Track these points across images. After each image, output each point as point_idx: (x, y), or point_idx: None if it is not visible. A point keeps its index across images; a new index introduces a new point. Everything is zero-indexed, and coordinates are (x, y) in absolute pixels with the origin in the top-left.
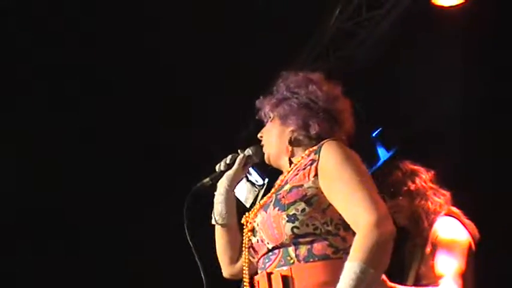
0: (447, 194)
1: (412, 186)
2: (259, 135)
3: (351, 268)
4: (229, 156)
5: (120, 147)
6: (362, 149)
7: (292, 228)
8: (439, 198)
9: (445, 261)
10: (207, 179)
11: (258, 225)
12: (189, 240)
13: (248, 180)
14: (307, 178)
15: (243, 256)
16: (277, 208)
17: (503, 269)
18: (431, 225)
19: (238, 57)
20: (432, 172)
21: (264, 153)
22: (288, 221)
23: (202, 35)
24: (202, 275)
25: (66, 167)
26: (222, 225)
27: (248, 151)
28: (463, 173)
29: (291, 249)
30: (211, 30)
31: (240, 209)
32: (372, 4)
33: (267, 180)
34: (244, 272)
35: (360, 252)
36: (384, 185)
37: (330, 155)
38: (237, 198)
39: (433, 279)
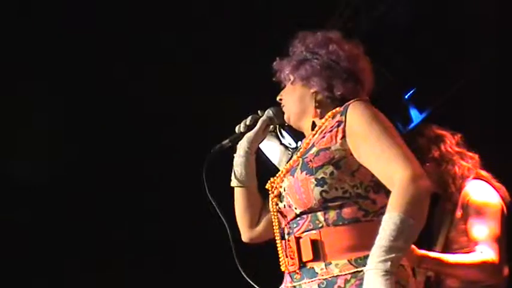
0: (475, 157)
1: (437, 153)
2: (278, 98)
3: (390, 219)
4: (250, 117)
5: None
6: (394, 110)
7: (321, 193)
8: (467, 162)
9: (479, 226)
10: (226, 141)
11: (284, 190)
12: (211, 201)
13: (281, 143)
14: (334, 140)
15: (273, 222)
16: (304, 172)
17: None
18: (459, 190)
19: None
20: (459, 135)
21: (280, 114)
22: (316, 185)
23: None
24: (229, 234)
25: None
26: (242, 188)
27: (269, 112)
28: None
29: (319, 213)
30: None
31: (261, 172)
32: None
33: (300, 143)
34: (276, 237)
35: (398, 204)
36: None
37: (356, 116)
38: (270, 161)
39: (464, 243)
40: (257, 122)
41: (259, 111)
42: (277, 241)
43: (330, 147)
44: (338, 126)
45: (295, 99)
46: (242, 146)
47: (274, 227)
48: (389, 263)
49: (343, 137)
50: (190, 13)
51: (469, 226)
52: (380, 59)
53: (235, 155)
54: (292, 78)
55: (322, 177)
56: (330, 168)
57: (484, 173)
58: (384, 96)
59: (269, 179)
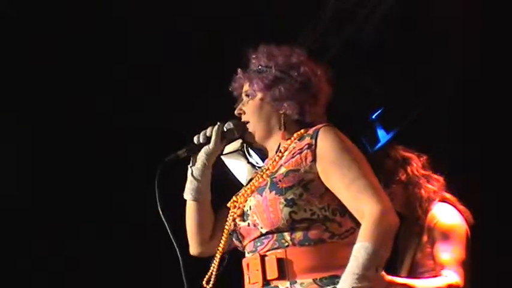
0: (441, 179)
1: (404, 176)
2: (237, 112)
3: (363, 248)
4: (209, 129)
5: None
6: (361, 130)
7: (290, 213)
8: (433, 184)
9: (445, 250)
10: (183, 150)
11: (250, 208)
12: (160, 213)
13: (249, 162)
14: (304, 162)
15: (223, 239)
16: (274, 192)
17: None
18: (426, 212)
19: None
20: (425, 157)
21: (245, 129)
22: (286, 205)
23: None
24: (177, 250)
25: None
26: (197, 201)
27: (229, 124)
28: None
29: (286, 233)
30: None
31: (216, 188)
32: None
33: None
34: (216, 255)
35: (370, 235)
36: (377, 174)
37: (328, 142)
38: (237, 179)
39: (431, 266)
40: (216, 133)
41: (218, 123)
42: (216, 258)
43: (299, 169)
44: (308, 148)
45: (262, 117)
46: (200, 158)
47: (222, 245)
48: None
49: (313, 160)
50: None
51: (435, 249)
52: (348, 80)
53: (189, 166)
54: (260, 95)
55: (292, 198)
56: (299, 190)
57: (449, 195)
58: (351, 117)
59: (227, 196)
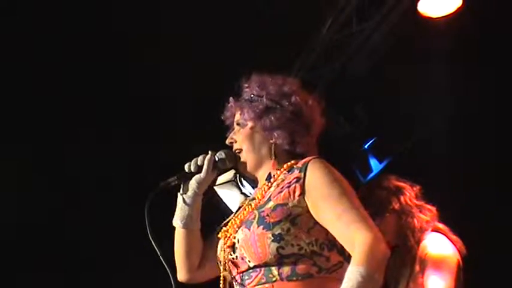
0: (433, 209)
1: (397, 205)
2: (228, 141)
3: (357, 272)
4: (200, 157)
5: None
6: (353, 160)
7: (277, 248)
8: (425, 215)
9: (434, 280)
10: (174, 178)
11: (238, 241)
12: (151, 241)
13: (242, 192)
14: (292, 196)
15: (221, 271)
16: (261, 226)
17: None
18: (418, 242)
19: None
20: (417, 187)
21: (236, 158)
22: (273, 241)
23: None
24: (170, 276)
25: None
26: (187, 229)
27: (221, 154)
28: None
29: (274, 268)
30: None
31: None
32: (361, 16)
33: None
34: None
35: (364, 259)
36: (369, 203)
37: (317, 175)
38: (230, 210)
39: None
40: (208, 163)
41: (210, 152)
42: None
43: (287, 203)
44: (297, 182)
45: (253, 147)
46: (191, 187)
47: (222, 278)
48: None
49: (301, 193)
50: None
51: (425, 278)
52: (340, 109)
53: (180, 193)
54: (251, 124)
55: (279, 233)
56: (287, 225)
57: (441, 226)
58: (343, 147)
59: (217, 226)
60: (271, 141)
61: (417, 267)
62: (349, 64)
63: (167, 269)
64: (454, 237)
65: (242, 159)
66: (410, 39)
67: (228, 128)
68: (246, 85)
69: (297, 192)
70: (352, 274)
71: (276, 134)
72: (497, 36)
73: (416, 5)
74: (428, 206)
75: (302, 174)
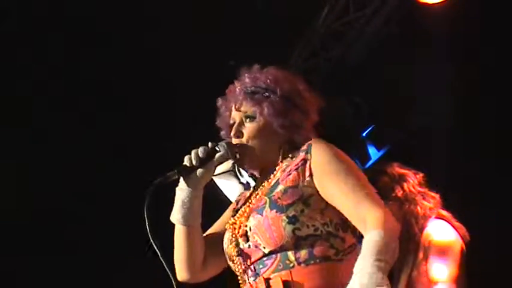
0: (436, 196)
1: (400, 192)
2: (234, 133)
3: (375, 233)
4: (201, 149)
5: None
6: (353, 147)
7: (293, 230)
8: (429, 202)
9: (438, 267)
10: (173, 172)
11: (250, 229)
12: (151, 240)
13: (240, 182)
14: (301, 178)
15: (234, 263)
16: (274, 210)
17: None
18: (421, 230)
19: (225, 59)
20: (421, 175)
21: (239, 151)
22: (288, 223)
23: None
24: (171, 276)
25: None
26: (188, 226)
27: (224, 147)
28: (453, 174)
29: (290, 252)
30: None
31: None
32: (358, 4)
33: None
34: (240, 282)
35: (380, 225)
36: None
37: (322, 154)
38: (228, 199)
39: (426, 284)
40: (210, 155)
41: (210, 144)
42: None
43: (297, 185)
44: (304, 164)
45: (265, 144)
46: (193, 181)
47: (234, 268)
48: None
49: (310, 175)
50: None
51: (429, 265)
52: (339, 98)
53: (179, 188)
54: (267, 120)
55: (294, 215)
56: (300, 206)
57: (444, 212)
58: (343, 134)
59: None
60: (279, 132)
61: (421, 255)
62: (347, 52)
63: (168, 270)
64: (457, 224)
65: (248, 154)
66: (408, 26)
67: (219, 113)
68: (252, 76)
69: (307, 173)
70: (371, 237)
71: (296, 134)
72: (496, 21)
73: None
74: (432, 193)
75: (308, 155)
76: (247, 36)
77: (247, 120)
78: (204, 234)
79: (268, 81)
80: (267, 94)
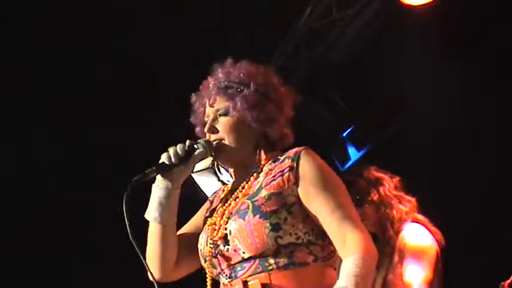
0: (412, 200)
1: (376, 196)
2: (208, 129)
3: (351, 261)
4: (179, 147)
5: None
6: (332, 147)
7: (276, 238)
8: (405, 205)
9: (413, 270)
10: (151, 169)
11: (230, 232)
12: (130, 236)
13: (219, 179)
14: (286, 185)
15: (207, 266)
16: (258, 216)
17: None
18: (397, 233)
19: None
20: (397, 178)
21: (216, 148)
22: (271, 230)
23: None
24: (149, 274)
25: None
26: (164, 225)
27: (203, 144)
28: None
29: (270, 257)
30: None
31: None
32: (341, 4)
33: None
34: (207, 282)
35: (358, 249)
36: (349, 193)
37: (310, 166)
38: (207, 196)
39: (401, 286)
40: (189, 153)
41: (188, 141)
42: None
43: (281, 192)
44: (290, 171)
45: (240, 138)
46: (171, 179)
47: (208, 269)
48: None
49: (295, 183)
50: None
51: (404, 269)
52: (319, 98)
53: (156, 186)
54: (241, 114)
55: (277, 222)
56: (284, 214)
57: (420, 216)
58: (323, 135)
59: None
60: (261, 132)
61: (396, 258)
62: (329, 52)
63: (149, 271)
64: (433, 228)
65: (223, 150)
66: (391, 27)
67: (193, 109)
68: (225, 70)
69: (291, 181)
70: (351, 262)
71: (268, 127)
72: (478, 24)
73: None
74: (408, 197)
75: (295, 163)
76: (228, 34)
77: (221, 115)
78: (178, 233)
79: (242, 75)
80: (240, 88)
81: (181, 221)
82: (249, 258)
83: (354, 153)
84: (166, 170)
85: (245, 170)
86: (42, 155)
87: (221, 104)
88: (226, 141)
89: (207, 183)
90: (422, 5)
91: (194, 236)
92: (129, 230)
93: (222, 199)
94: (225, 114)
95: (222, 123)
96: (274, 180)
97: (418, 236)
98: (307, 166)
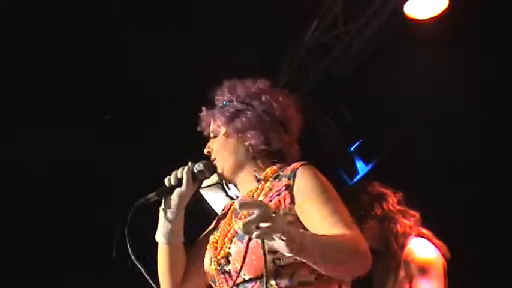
0: (416, 214)
1: (379, 211)
2: (206, 150)
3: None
4: (180, 170)
5: None
6: (340, 162)
7: (273, 260)
8: (409, 220)
9: (423, 285)
10: (153, 194)
11: (231, 254)
12: (134, 260)
13: (227, 195)
14: (283, 205)
15: (214, 284)
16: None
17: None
18: (402, 248)
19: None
20: (400, 193)
21: (214, 168)
22: (268, 252)
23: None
24: None
25: None
26: (170, 244)
27: (199, 165)
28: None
29: (271, 279)
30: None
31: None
32: (348, 17)
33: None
34: None
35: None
36: (352, 208)
37: (305, 180)
38: (215, 212)
39: None
40: (188, 175)
41: (189, 164)
42: None
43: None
44: (286, 189)
45: (229, 152)
46: (173, 201)
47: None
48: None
49: (291, 202)
50: None
51: (414, 285)
52: (327, 111)
53: (162, 208)
54: (224, 130)
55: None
56: None
57: (425, 230)
58: (331, 149)
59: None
60: (246, 143)
61: (402, 273)
62: (335, 65)
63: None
64: (438, 241)
65: (219, 167)
66: (396, 41)
67: (206, 139)
68: (219, 93)
69: (288, 200)
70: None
71: (249, 135)
72: (483, 38)
73: (402, 7)
74: (412, 211)
75: (291, 181)
76: (234, 48)
77: (213, 136)
78: (188, 249)
79: (227, 92)
80: (223, 105)
81: (192, 237)
82: (250, 280)
83: (362, 167)
84: (166, 194)
85: (250, 183)
86: (42, 155)
87: (212, 127)
88: (216, 160)
89: (216, 199)
90: (428, 19)
91: (202, 253)
92: (131, 252)
93: (226, 216)
94: (215, 133)
95: (214, 143)
96: (271, 200)
97: (424, 250)
98: (301, 182)
